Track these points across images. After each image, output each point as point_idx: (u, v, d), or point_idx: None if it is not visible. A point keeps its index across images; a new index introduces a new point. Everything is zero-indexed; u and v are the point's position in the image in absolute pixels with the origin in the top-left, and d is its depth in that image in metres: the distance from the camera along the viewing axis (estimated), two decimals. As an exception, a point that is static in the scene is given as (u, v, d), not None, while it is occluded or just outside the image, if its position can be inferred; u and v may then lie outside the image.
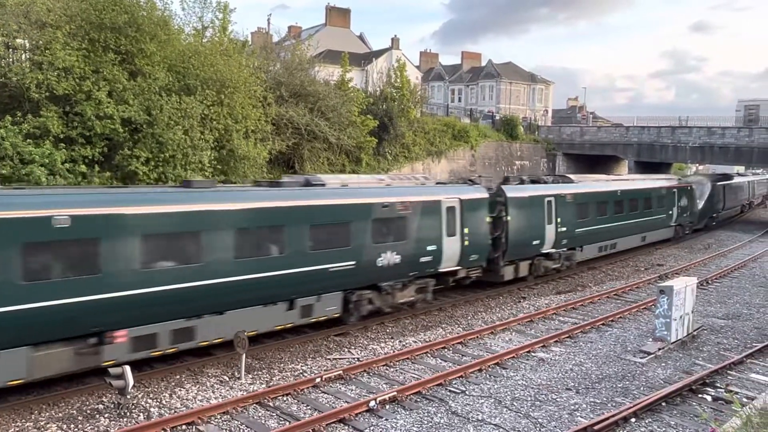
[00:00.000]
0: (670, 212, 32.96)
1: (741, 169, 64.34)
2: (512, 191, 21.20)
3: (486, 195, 19.97)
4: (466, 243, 18.64)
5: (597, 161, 49.18)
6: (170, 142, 20.17)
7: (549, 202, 22.61)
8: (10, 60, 20.37)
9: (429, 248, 17.49)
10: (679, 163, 55.72)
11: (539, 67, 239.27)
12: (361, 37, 74.37)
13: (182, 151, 20.66)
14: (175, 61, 22.34)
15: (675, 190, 33.73)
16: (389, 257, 16.28)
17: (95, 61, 20.06)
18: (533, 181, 24.23)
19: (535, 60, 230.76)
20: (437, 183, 20.10)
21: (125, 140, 19.94)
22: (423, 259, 17.44)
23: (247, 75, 24.13)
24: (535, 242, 21.97)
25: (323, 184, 16.10)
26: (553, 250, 23.02)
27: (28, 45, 20.44)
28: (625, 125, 51.25)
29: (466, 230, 18.59)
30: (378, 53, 65.28)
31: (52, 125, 18.37)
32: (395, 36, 65.71)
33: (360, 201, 15.91)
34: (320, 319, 15.38)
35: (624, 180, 30.89)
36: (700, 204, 38.02)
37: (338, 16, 70.07)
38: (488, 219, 19.74)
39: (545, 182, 24.66)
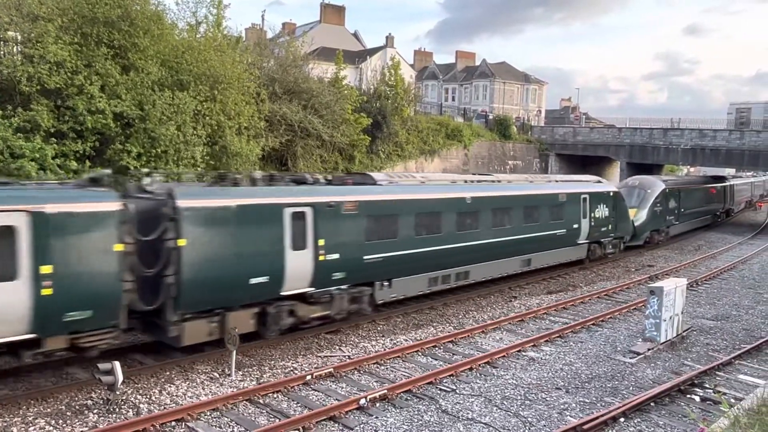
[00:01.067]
0: (576, 226, 24.43)
1: (732, 171, 64.09)
2: (193, 198, 12.75)
3: (112, 206, 11.56)
4: (48, 292, 10.57)
5: (590, 162, 49.41)
6: (162, 137, 20.11)
7: (297, 215, 14.18)
8: (1, 53, 20.24)
9: None
10: (670, 164, 56.01)
11: (533, 67, 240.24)
12: (355, 35, 74.35)
13: (174, 147, 20.60)
14: (169, 56, 22.27)
15: (585, 196, 25.00)
16: None
17: (87, 55, 19.96)
18: (295, 181, 15.93)
19: (529, 60, 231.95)
20: None
21: (117, 135, 19.86)
22: None
23: (240, 71, 24.08)
24: (257, 280, 13.49)
25: None
26: (313, 290, 14.75)
27: (19, 38, 20.31)
28: (617, 126, 51.50)
29: (47, 269, 10.56)
30: (372, 51, 65.35)
31: (41, 119, 18.26)
32: (390, 34, 66.14)
33: None
34: None
35: (487, 181, 22.01)
36: (642, 214, 30.85)
37: (333, 13, 70.08)
38: (119, 247, 11.45)
39: (314, 182, 16.04)
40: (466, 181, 21.14)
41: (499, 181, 22.53)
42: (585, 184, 26.88)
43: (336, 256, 15.06)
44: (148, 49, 21.32)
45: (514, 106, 72.16)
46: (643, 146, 45.61)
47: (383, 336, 15.88)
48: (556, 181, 25.99)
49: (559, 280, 24.02)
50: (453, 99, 76.37)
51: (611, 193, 27.28)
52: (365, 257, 15.96)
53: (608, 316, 18.21)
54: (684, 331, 16.15)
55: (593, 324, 17.44)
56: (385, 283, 16.87)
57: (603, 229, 26.41)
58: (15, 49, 20.41)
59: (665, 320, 15.07)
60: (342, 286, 15.53)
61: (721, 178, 47.89)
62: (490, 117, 51.74)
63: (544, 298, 20.88)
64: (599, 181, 28.43)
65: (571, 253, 25.00)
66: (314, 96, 29.65)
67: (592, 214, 25.44)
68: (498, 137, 47.26)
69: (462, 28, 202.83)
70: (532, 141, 50.55)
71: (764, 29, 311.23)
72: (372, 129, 33.30)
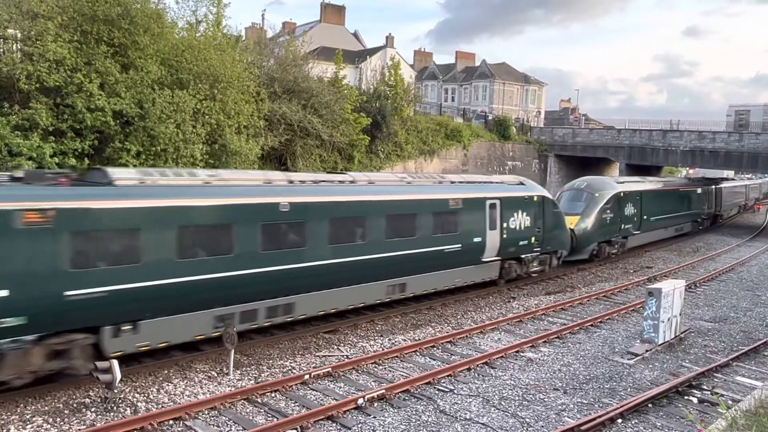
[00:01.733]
0: (478, 239, 19.61)
1: (731, 173, 64.03)
2: None
3: None
4: None
5: (589, 163, 49.41)
6: (162, 135, 20.10)
7: None
8: (1, 50, 20.23)
9: None
10: (669, 166, 56.11)
11: (533, 68, 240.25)
12: (355, 35, 74.36)
13: (174, 145, 20.59)
14: (168, 54, 22.25)
15: (495, 201, 20.18)
16: None
17: (87, 53, 19.93)
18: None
19: (528, 61, 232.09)
20: None
21: (116, 133, 19.84)
22: None
23: (240, 70, 24.07)
24: None
25: None
26: None
27: (19, 35, 20.30)
28: (616, 128, 51.56)
29: None
30: (372, 51, 65.38)
31: (40, 118, 18.24)
32: (390, 34, 66.12)
33: None
34: None
35: (331, 181, 16.60)
36: (586, 222, 26.38)
37: (333, 13, 70.08)
38: None
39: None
40: (291, 182, 15.40)
41: (351, 182, 17.01)
42: (495, 186, 21.50)
43: (4, 293, 10.18)
44: (147, 48, 21.30)
45: (514, 107, 72.16)
46: (642, 148, 45.65)
47: (381, 336, 15.88)
48: (452, 182, 20.43)
49: (557, 281, 24.04)
50: (452, 99, 76.36)
51: (535, 198, 22.28)
52: (69, 292, 10.87)
53: (606, 317, 18.22)
54: (682, 333, 16.16)
55: (591, 325, 17.44)
56: (126, 327, 11.77)
57: (523, 242, 21.51)
58: (14, 47, 20.41)
59: (663, 322, 15.07)
60: (22, 337, 10.47)
61: (711, 180, 46.09)
62: (490, 117, 51.75)
63: (542, 298, 20.89)
64: (521, 183, 23.06)
65: (472, 273, 19.91)
66: (314, 95, 29.64)
67: (506, 225, 20.57)
68: (497, 138, 47.28)
69: (462, 28, 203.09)
70: (531, 142, 50.57)
71: (763, 31, 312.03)
72: (371, 129, 33.31)
